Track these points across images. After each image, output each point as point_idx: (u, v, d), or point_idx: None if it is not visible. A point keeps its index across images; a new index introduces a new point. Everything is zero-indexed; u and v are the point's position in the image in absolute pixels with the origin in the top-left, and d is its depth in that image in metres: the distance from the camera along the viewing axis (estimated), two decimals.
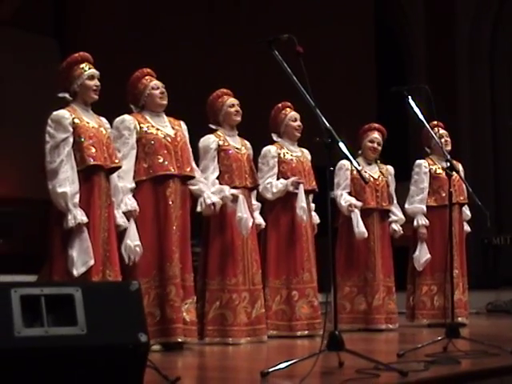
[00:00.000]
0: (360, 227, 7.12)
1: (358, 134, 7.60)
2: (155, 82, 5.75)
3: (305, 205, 6.58)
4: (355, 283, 7.35)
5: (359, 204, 7.23)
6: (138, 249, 5.32)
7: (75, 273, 4.85)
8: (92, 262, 4.89)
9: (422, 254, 7.61)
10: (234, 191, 6.08)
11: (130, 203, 5.38)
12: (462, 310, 7.69)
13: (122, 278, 5.19)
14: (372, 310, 7.29)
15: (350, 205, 7.18)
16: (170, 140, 5.64)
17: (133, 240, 5.32)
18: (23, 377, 2.85)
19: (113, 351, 3.02)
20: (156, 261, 5.48)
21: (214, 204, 5.86)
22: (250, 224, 6.07)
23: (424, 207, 7.67)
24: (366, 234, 7.15)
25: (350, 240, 7.26)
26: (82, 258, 4.88)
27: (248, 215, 6.05)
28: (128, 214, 5.36)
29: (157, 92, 5.72)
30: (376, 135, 7.55)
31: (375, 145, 7.54)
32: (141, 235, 5.40)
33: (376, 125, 7.66)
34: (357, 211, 7.17)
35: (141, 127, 5.60)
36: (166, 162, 5.56)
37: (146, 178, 5.54)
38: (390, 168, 7.70)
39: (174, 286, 5.48)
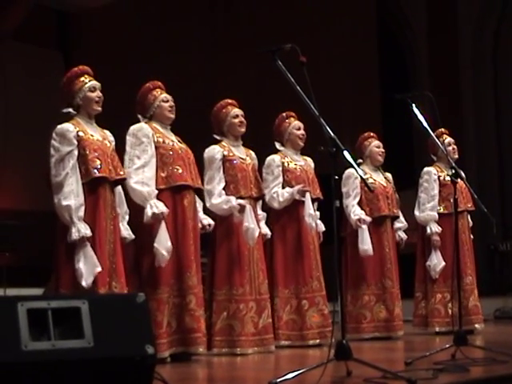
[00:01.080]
0: (365, 244, 7.11)
1: (357, 143, 7.60)
2: (165, 95, 5.77)
3: (313, 212, 6.60)
4: (373, 291, 7.33)
5: (368, 219, 7.21)
6: (169, 252, 5.33)
7: (84, 284, 4.84)
8: (99, 269, 4.89)
9: (438, 262, 7.58)
10: (241, 201, 6.08)
11: (161, 205, 5.37)
12: (480, 316, 7.69)
13: (134, 288, 5.18)
14: (394, 317, 7.29)
15: (360, 220, 7.16)
16: (184, 152, 5.67)
17: (164, 244, 5.32)
18: None
19: (120, 363, 3.01)
20: (174, 270, 5.48)
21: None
22: (257, 234, 6.07)
23: (436, 214, 7.65)
24: (371, 252, 7.13)
25: None
26: (89, 268, 4.87)
27: (255, 225, 6.05)
28: (160, 217, 5.33)
29: (166, 105, 5.74)
30: (378, 141, 7.59)
31: (382, 149, 7.57)
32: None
33: (372, 133, 7.68)
34: (364, 228, 7.15)
35: (157, 137, 5.61)
36: (185, 173, 5.58)
37: (164, 187, 5.54)
38: (389, 175, 7.72)
39: (193, 295, 5.50)
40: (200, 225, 5.80)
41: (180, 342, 5.45)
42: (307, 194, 6.62)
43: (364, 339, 7.06)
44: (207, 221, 5.88)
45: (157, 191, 5.46)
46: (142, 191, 5.40)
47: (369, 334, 7.20)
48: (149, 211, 5.34)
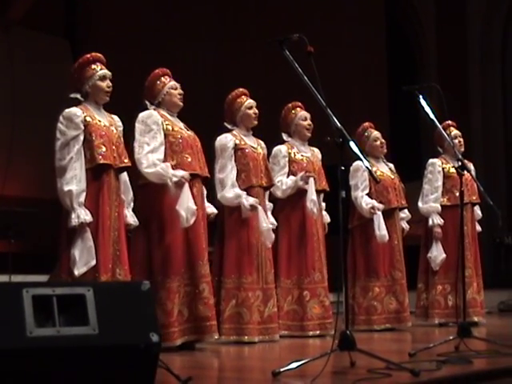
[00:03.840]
0: (382, 230, 7.10)
1: (356, 138, 7.55)
2: (174, 83, 5.76)
3: (315, 198, 6.59)
4: (383, 283, 7.32)
5: (381, 206, 7.21)
6: (195, 211, 5.36)
7: (76, 273, 4.84)
8: (93, 263, 4.88)
9: (438, 254, 7.59)
10: (252, 201, 6.07)
11: (180, 171, 5.40)
12: (478, 309, 7.69)
13: (145, 277, 5.20)
14: (405, 308, 7.29)
15: (373, 207, 7.15)
16: (192, 140, 5.66)
17: (192, 202, 5.35)
18: (35, 376, 2.86)
19: (124, 351, 3.02)
20: (185, 259, 5.48)
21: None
22: (273, 235, 6.09)
23: (439, 206, 7.66)
24: (387, 238, 7.13)
25: (373, 240, 7.22)
26: (84, 258, 4.87)
27: (268, 224, 6.10)
28: (182, 181, 5.36)
29: (175, 92, 5.73)
30: (376, 132, 7.53)
31: (381, 139, 7.52)
32: (171, 233, 5.43)
33: (367, 123, 7.61)
34: (379, 214, 7.14)
35: (166, 124, 5.61)
36: (194, 162, 5.58)
37: None
38: (392, 165, 7.69)
39: (206, 283, 5.51)
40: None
41: (193, 331, 5.46)
42: (311, 180, 6.61)
43: (375, 330, 7.06)
44: (211, 209, 5.87)
45: (169, 163, 5.45)
46: (156, 170, 5.40)
47: (380, 326, 7.20)
48: (170, 182, 5.36)
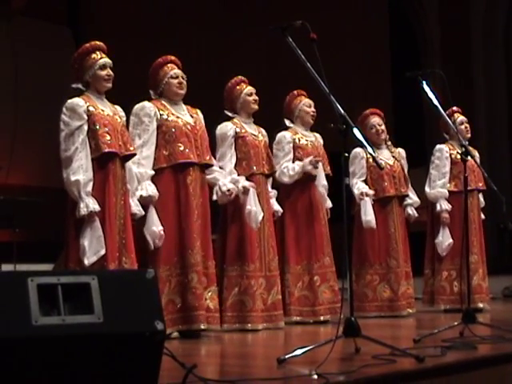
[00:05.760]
0: (367, 215, 7.11)
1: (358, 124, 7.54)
2: (175, 71, 5.73)
3: (326, 183, 6.62)
4: (376, 271, 7.33)
5: (371, 192, 7.22)
6: (162, 233, 5.34)
7: (86, 262, 4.86)
8: (103, 252, 4.90)
9: (445, 239, 7.58)
10: (247, 184, 6.06)
11: (151, 189, 5.37)
12: (484, 296, 7.69)
13: (141, 266, 5.21)
14: (398, 297, 7.28)
15: (362, 193, 7.17)
16: (189, 128, 5.65)
17: (157, 225, 5.33)
18: (40, 365, 2.87)
19: (129, 339, 3.02)
20: (177, 248, 5.48)
21: (229, 190, 5.87)
22: (261, 217, 6.07)
23: (446, 192, 7.65)
24: (374, 224, 7.13)
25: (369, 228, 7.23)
26: (93, 247, 4.88)
27: (258, 208, 6.04)
28: (148, 200, 5.35)
29: (175, 81, 5.71)
30: (373, 120, 7.51)
31: (377, 127, 7.49)
32: (162, 223, 5.41)
33: (369, 110, 7.60)
34: (367, 199, 7.15)
35: (161, 114, 5.60)
36: (187, 150, 5.57)
37: (166, 165, 5.53)
38: (402, 151, 7.68)
39: (195, 273, 5.48)
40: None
41: (184, 320, 5.46)
42: (320, 164, 6.63)
43: (367, 317, 7.06)
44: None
45: (152, 172, 5.45)
46: (135, 172, 5.40)
47: (371, 313, 7.21)
48: (138, 193, 5.35)
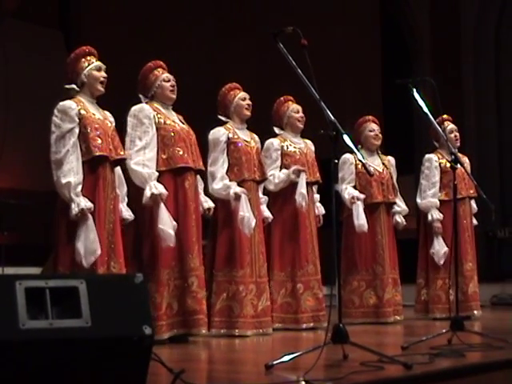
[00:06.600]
0: (360, 219, 7.12)
1: (355, 128, 7.57)
2: (167, 75, 5.74)
3: (304, 191, 6.59)
4: (363, 277, 7.34)
5: (362, 196, 7.24)
6: (173, 233, 5.31)
7: (85, 263, 4.84)
8: (99, 252, 4.89)
9: (440, 248, 7.59)
10: (238, 190, 6.06)
11: (161, 187, 5.35)
12: (477, 303, 7.71)
13: (137, 271, 5.19)
14: (384, 303, 7.28)
15: (353, 197, 7.18)
16: (185, 133, 5.65)
17: (168, 224, 5.30)
18: (28, 369, 2.86)
19: (117, 344, 3.01)
20: (176, 252, 5.47)
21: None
22: (253, 223, 6.06)
23: (437, 201, 7.66)
24: (366, 227, 7.14)
25: (356, 234, 7.25)
26: (90, 247, 4.86)
27: (250, 214, 6.03)
28: (158, 198, 5.31)
29: (167, 84, 5.71)
30: (374, 125, 7.56)
31: (376, 132, 7.54)
32: None
33: (370, 116, 7.66)
34: (359, 203, 7.17)
35: (158, 118, 5.59)
36: (186, 155, 5.57)
37: (165, 168, 5.52)
38: (392, 159, 7.71)
39: (195, 277, 5.50)
40: (200, 208, 5.79)
41: (182, 324, 5.46)
42: (302, 174, 6.62)
43: (353, 324, 7.05)
44: (207, 204, 5.86)
45: (157, 173, 5.45)
46: (141, 172, 5.39)
47: (357, 320, 7.21)
48: (148, 192, 5.33)
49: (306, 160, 6.81)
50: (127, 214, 5.32)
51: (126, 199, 5.38)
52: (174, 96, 5.74)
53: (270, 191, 6.74)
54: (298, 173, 6.62)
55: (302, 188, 6.59)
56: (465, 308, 7.30)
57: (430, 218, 7.65)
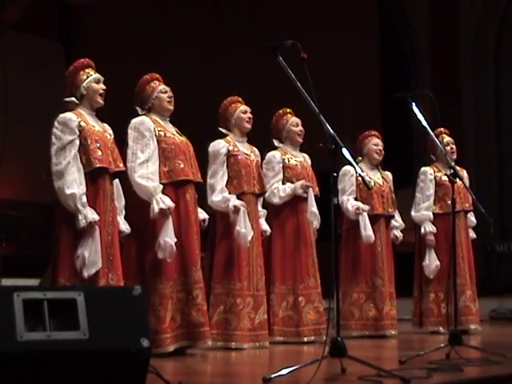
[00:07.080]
0: (368, 231, 7.13)
1: (357, 141, 7.60)
2: (163, 87, 5.75)
3: (315, 210, 6.61)
4: (362, 289, 7.34)
5: (367, 208, 7.24)
6: (174, 248, 5.32)
7: (85, 274, 4.82)
8: (100, 265, 4.89)
9: (432, 261, 7.60)
10: (237, 203, 6.06)
11: (168, 200, 5.35)
12: (474, 317, 7.70)
13: (142, 282, 5.20)
14: (383, 316, 7.28)
15: (358, 208, 7.18)
16: (184, 146, 5.66)
17: (172, 238, 5.31)
18: (25, 381, 2.85)
19: (115, 356, 3.01)
20: (179, 265, 5.46)
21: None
22: (250, 237, 6.05)
23: (431, 214, 7.68)
24: (373, 238, 7.16)
25: (356, 246, 7.27)
26: (92, 259, 4.85)
27: (248, 229, 6.03)
28: (166, 211, 5.31)
29: (165, 96, 5.72)
30: (378, 140, 7.60)
31: (380, 147, 7.57)
32: None
33: (375, 131, 7.70)
34: (365, 214, 7.18)
35: (159, 130, 5.60)
36: (186, 168, 5.57)
37: (167, 181, 5.51)
38: (389, 174, 7.74)
39: (200, 290, 5.51)
40: None
41: (186, 337, 5.45)
42: (310, 190, 6.64)
43: (352, 337, 7.04)
44: (202, 215, 5.86)
45: (161, 186, 5.44)
46: (147, 186, 5.38)
47: (357, 332, 7.22)
48: (155, 207, 5.31)
49: (306, 173, 6.82)
50: (124, 227, 5.31)
51: (124, 212, 5.37)
52: (172, 107, 5.75)
53: (270, 204, 6.73)
54: (305, 188, 6.63)
55: (312, 207, 6.62)
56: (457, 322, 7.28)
57: (423, 230, 7.67)
